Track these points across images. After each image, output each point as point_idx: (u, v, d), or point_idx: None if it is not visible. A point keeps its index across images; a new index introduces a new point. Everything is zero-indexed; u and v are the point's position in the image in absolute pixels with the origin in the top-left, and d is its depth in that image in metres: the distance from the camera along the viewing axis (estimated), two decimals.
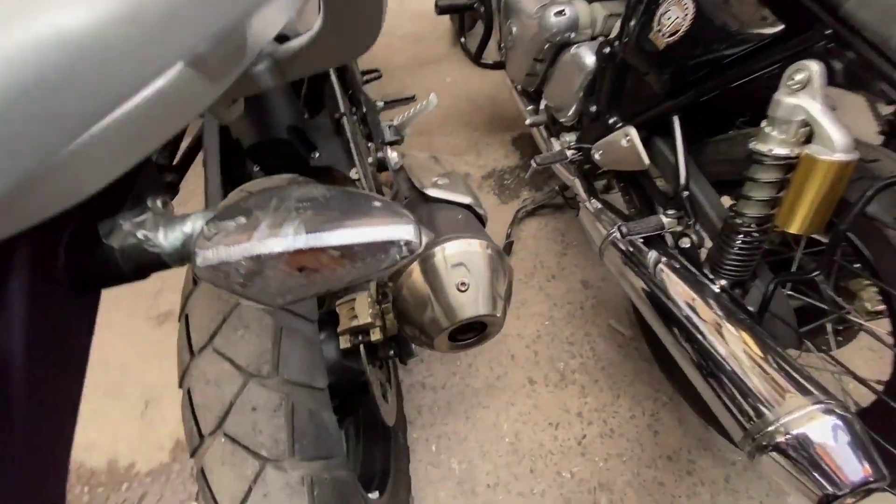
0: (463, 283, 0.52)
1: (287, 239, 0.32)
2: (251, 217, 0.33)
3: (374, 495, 0.76)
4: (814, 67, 0.61)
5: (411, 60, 2.10)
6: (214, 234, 0.33)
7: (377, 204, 0.35)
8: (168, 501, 1.05)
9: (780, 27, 0.67)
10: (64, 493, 0.39)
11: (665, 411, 1.22)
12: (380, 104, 1.21)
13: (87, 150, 0.23)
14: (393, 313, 0.59)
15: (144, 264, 0.39)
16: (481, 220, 0.70)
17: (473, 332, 0.57)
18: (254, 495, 0.48)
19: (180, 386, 0.52)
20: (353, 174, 0.89)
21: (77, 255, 0.36)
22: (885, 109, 0.80)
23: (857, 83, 0.65)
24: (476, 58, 1.52)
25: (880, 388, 0.73)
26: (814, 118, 0.61)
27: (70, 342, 0.38)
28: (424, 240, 0.32)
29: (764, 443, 0.59)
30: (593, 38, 1.11)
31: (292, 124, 0.80)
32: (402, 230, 0.33)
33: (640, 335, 1.33)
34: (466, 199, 0.66)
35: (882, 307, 0.77)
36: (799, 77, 0.62)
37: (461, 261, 0.53)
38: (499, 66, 1.47)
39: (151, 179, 0.42)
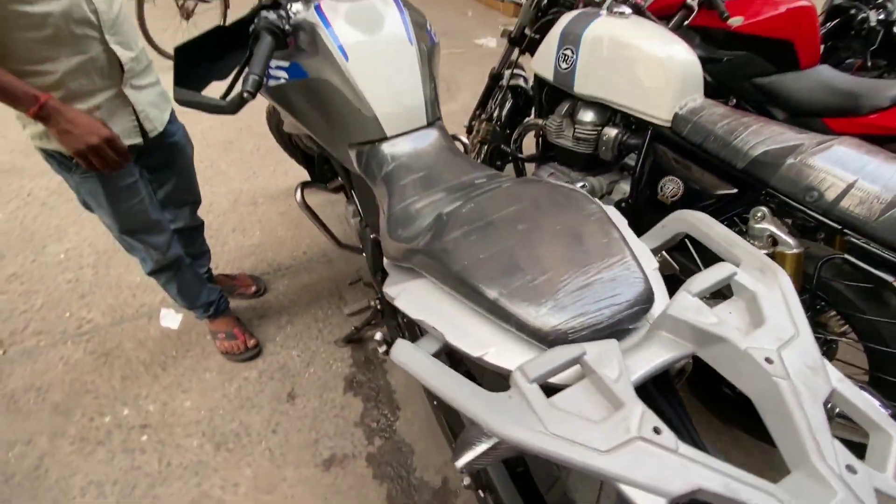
0: None
1: None
2: None
3: None
4: (764, 209, 1.08)
5: None
6: None
7: None
8: None
9: (735, 190, 1.17)
10: None
11: None
12: None
13: None
14: None
15: None
16: None
17: None
18: None
19: None
20: None
21: None
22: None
23: (785, 215, 1.11)
24: None
25: None
26: (775, 232, 1.05)
27: None
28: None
29: None
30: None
31: None
32: None
33: None
34: None
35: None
36: (759, 215, 1.08)
37: None
38: None
39: None
